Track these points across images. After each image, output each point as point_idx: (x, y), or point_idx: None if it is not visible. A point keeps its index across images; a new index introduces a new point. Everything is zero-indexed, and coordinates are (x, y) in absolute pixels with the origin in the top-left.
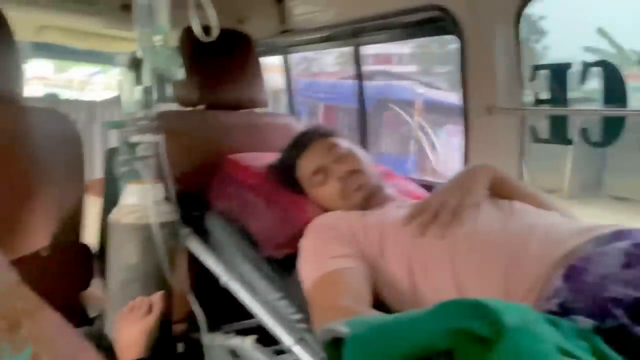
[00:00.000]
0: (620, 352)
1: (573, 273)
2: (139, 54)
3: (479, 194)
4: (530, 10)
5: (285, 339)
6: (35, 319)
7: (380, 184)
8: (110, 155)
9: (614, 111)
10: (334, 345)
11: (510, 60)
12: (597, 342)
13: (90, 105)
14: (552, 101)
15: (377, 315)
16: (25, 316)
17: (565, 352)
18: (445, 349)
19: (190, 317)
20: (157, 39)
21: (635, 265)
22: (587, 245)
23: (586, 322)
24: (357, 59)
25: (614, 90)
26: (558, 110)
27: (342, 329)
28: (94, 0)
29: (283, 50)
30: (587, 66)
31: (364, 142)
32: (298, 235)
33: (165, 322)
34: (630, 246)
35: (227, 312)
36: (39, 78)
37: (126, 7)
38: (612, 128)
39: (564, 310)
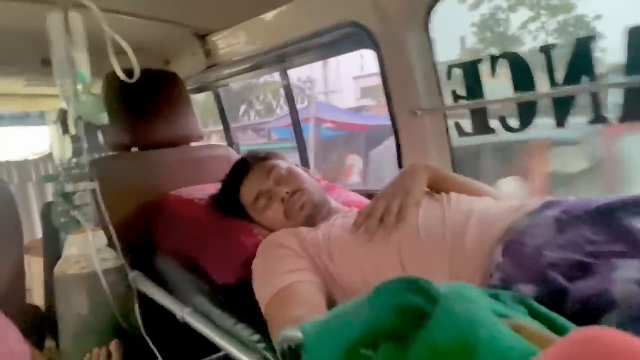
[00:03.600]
0: (561, 312)
1: (511, 247)
2: (64, 105)
3: (419, 193)
4: None
5: None
6: None
7: (324, 198)
8: (47, 210)
9: (527, 97)
10: (294, 355)
11: (426, 63)
12: (536, 306)
13: (24, 165)
14: (469, 96)
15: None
16: None
17: (500, 315)
18: (391, 326)
19: None
20: (80, 87)
21: (566, 230)
22: (521, 220)
23: (526, 289)
24: (288, 82)
25: (523, 77)
26: (475, 104)
27: (296, 333)
28: (13, 61)
29: (213, 86)
30: (495, 59)
31: (304, 160)
32: (250, 259)
33: None
34: (560, 213)
35: (189, 349)
36: None
37: (47, 62)
38: (527, 113)
39: (507, 284)
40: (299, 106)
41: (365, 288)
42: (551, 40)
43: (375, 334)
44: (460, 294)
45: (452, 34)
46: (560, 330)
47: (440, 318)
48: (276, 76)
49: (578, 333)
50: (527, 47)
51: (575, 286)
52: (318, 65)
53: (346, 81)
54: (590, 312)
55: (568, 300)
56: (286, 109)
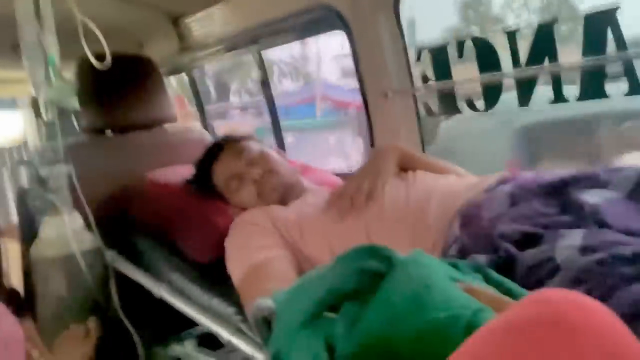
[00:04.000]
0: (512, 279)
1: (467, 220)
2: (33, 90)
3: (388, 173)
4: None
5: (222, 332)
6: None
7: (295, 179)
8: (22, 194)
9: (492, 77)
10: (267, 325)
11: (396, 45)
12: (489, 273)
13: None
14: (437, 78)
15: None
16: None
17: (455, 280)
18: (353, 289)
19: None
20: (50, 72)
21: (519, 203)
22: (478, 195)
23: (480, 258)
24: (261, 63)
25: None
26: (444, 84)
27: (268, 303)
28: None
29: (187, 67)
30: (461, 42)
31: (279, 142)
32: (223, 237)
33: (103, 346)
34: (514, 188)
35: (167, 327)
36: None
37: (16, 47)
38: (491, 95)
39: (463, 254)
40: (293, 85)
41: None
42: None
43: (338, 296)
44: (416, 259)
45: (433, 14)
46: (512, 295)
47: (395, 278)
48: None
49: (535, 293)
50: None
51: (524, 254)
52: (297, 45)
53: (326, 61)
54: (537, 277)
55: (518, 267)
56: (284, 86)
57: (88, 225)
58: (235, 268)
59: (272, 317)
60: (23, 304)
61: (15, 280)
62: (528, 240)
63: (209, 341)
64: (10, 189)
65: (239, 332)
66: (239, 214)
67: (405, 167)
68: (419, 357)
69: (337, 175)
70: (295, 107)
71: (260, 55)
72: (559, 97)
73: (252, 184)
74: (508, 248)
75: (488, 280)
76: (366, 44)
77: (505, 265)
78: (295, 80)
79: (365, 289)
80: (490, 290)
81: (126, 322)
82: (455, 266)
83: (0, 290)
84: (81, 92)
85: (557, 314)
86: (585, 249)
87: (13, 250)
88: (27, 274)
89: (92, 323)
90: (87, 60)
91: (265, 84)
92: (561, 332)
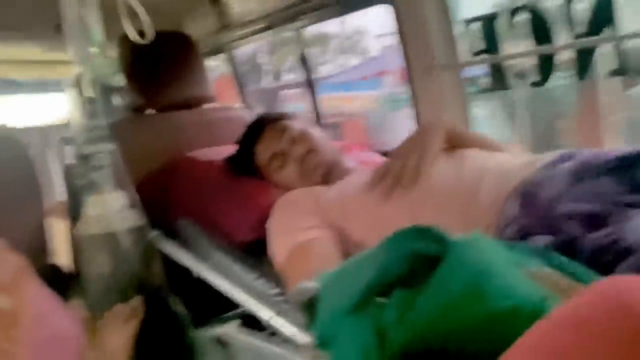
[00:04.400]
0: (577, 260)
1: (526, 199)
2: (78, 69)
3: (435, 151)
4: None
5: (264, 313)
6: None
7: (338, 158)
8: (68, 171)
9: (545, 50)
10: (310, 307)
11: (442, 18)
12: (552, 256)
13: (43, 130)
14: (486, 51)
15: None
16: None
17: (517, 264)
18: (403, 273)
19: (175, 318)
20: (93, 50)
21: (581, 181)
22: (536, 173)
23: (541, 239)
24: (301, 42)
25: (541, 29)
26: (492, 59)
27: (311, 285)
28: (26, 27)
29: (227, 47)
30: (514, 11)
31: (318, 120)
32: (265, 217)
33: (149, 326)
34: (576, 164)
35: (208, 308)
36: None
37: (59, 28)
38: (545, 67)
39: (522, 236)
40: (351, 60)
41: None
42: None
43: (387, 280)
44: (474, 242)
45: None
46: (580, 279)
47: (451, 264)
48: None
49: (603, 282)
50: None
51: (589, 236)
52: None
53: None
54: (605, 260)
55: (583, 249)
56: (340, 61)
57: (131, 203)
58: (279, 249)
59: (316, 299)
60: (65, 282)
61: (65, 259)
62: (593, 221)
63: (252, 323)
64: (54, 169)
65: (280, 313)
66: (280, 194)
67: (453, 144)
68: (478, 348)
69: (382, 154)
70: (360, 82)
71: (300, 33)
72: None
73: (295, 163)
74: (571, 229)
75: (551, 263)
76: (410, 18)
77: (569, 248)
78: (352, 55)
79: (418, 274)
80: (556, 275)
81: (173, 302)
82: (515, 249)
83: (44, 269)
84: (122, 71)
85: (626, 307)
86: None
87: (62, 228)
88: (74, 253)
89: (136, 303)
90: (128, 38)
91: (305, 63)
92: (631, 328)
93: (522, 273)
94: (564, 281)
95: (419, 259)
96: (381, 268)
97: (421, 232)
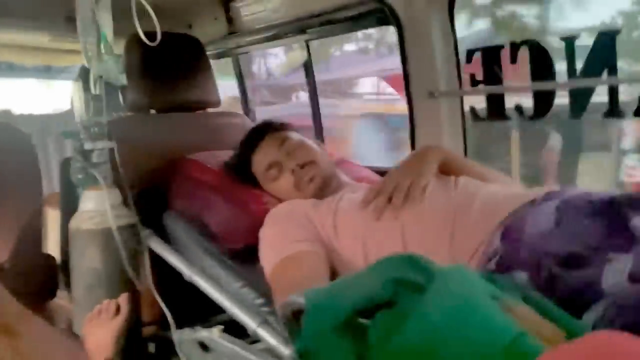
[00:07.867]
0: (553, 300)
1: (510, 233)
2: (85, 63)
3: (429, 175)
4: None
5: (249, 322)
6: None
7: (333, 172)
8: (65, 165)
9: (545, 85)
10: (295, 320)
11: (447, 45)
12: (529, 292)
13: (45, 119)
14: (487, 81)
15: None
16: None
17: (494, 297)
18: (388, 298)
19: (160, 317)
20: (102, 47)
21: (566, 220)
22: (523, 207)
23: (521, 275)
24: (309, 53)
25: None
26: (494, 89)
27: (299, 299)
28: (37, 15)
29: (233, 52)
30: (516, 46)
31: (318, 132)
32: (257, 225)
33: (134, 323)
34: (560, 203)
35: (195, 309)
36: None
37: (70, 19)
38: (543, 102)
39: (504, 268)
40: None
41: (367, 264)
42: None
43: (373, 303)
44: (457, 274)
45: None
46: (551, 317)
47: (435, 293)
48: None
49: (591, 336)
50: None
51: (568, 275)
52: None
53: None
54: (580, 301)
55: (559, 288)
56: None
57: (126, 201)
58: (268, 258)
59: (301, 314)
60: (56, 271)
61: (52, 248)
62: (573, 262)
63: (235, 329)
64: (54, 157)
65: (265, 323)
66: (273, 204)
67: (447, 170)
68: None
69: (376, 171)
70: None
71: (307, 45)
72: None
73: (291, 174)
74: (551, 267)
75: (527, 299)
76: (416, 42)
77: (547, 285)
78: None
79: (402, 300)
80: (530, 312)
81: (159, 300)
82: (494, 282)
83: (39, 257)
84: (129, 70)
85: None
86: (634, 277)
87: (53, 218)
88: (65, 243)
89: (123, 299)
90: (136, 37)
91: (309, 73)
92: None
93: (499, 306)
94: (537, 318)
95: (404, 286)
96: (368, 291)
97: (409, 260)
